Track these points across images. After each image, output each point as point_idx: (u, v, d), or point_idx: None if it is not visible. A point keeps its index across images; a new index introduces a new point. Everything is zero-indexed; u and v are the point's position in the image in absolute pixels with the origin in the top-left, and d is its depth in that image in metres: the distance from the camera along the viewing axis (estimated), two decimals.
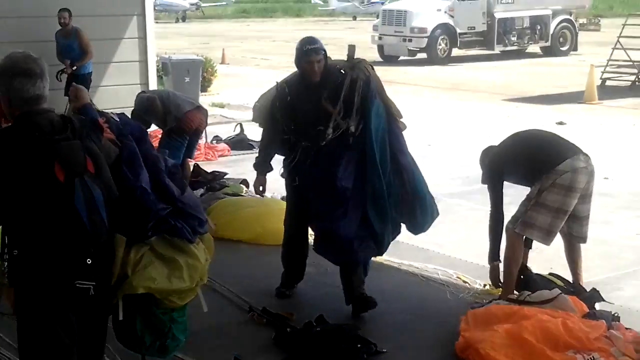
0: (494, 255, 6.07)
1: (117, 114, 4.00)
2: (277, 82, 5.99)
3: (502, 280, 6.04)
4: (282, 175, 6.13)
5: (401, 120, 5.94)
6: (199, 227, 3.89)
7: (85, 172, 3.33)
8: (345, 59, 5.85)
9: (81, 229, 3.31)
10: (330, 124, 5.60)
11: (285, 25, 56.93)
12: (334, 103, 5.62)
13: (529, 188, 5.87)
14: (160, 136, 8.85)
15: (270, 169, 6.18)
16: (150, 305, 3.83)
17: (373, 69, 5.91)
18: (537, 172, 5.77)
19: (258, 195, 6.53)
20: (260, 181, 6.17)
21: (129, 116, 4.97)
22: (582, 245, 6.13)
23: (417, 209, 5.80)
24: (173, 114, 8.37)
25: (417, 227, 5.96)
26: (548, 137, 6.27)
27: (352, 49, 5.85)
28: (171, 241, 3.81)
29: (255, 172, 6.22)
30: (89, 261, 3.36)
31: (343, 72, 5.72)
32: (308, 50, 5.68)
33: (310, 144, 5.74)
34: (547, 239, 5.80)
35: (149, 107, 8.33)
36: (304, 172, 5.87)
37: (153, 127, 8.86)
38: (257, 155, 6.31)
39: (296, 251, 6.25)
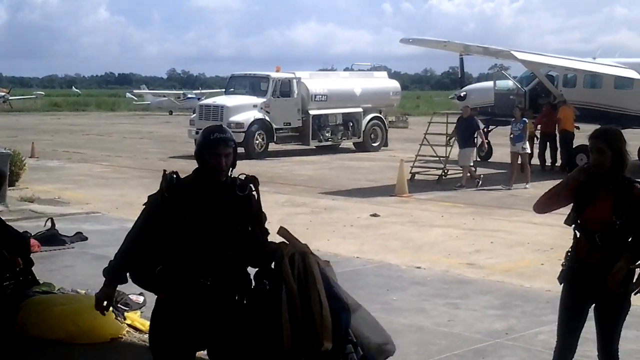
0: None
1: None
2: (165, 171, 4.82)
3: None
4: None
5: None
6: None
7: None
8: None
9: None
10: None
11: (99, 119, 55.97)
12: (243, 220, 4.80)
13: None
14: None
15: (125, 280, 4.79)
16: None
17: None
18: None
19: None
20: (107, 294, 4.74)
21: None
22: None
23: None
24: None
25: None
26: None
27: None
28: None
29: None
30: None
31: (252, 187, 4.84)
32: (216, 140, 4.69)
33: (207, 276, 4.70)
34: None
35: None
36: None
37: None
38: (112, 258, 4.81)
39: None
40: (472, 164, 20.30)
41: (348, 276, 10.34)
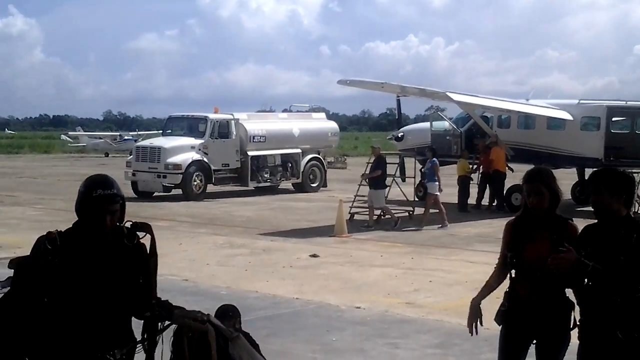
0: None
1: None
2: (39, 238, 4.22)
3: None
4: None
5: None
6: None
7: None
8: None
9: None
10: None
11: (33, 162, 55.00)
12: (133, 272, 4.34)
13: None
14: None
15: None
16: None
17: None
18: None
19: None
20: None
21: None
22: None
23: None
24: None
25: None
26: None
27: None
28: None
29: None
30: None
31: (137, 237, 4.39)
32: (100, 198, 4.17)
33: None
34: None
35: None
36: None
37: None
38: None
39: None
40: (381, 205, 20.18)
41: (287, 317, 10.30)
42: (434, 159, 20.41)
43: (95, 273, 4.15)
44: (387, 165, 20.84)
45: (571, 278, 4.88)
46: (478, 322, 5.46)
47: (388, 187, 20.86)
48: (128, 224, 4.35)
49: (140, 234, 4.40)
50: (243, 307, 10.50)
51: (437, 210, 19.97)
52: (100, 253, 4.19)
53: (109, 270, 4.19)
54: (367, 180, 20.65)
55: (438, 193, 20.22)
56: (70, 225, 4.29)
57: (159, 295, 4.50)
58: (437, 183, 20.20)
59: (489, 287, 5.50)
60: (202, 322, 4.36)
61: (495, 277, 5.47)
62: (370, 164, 21.06)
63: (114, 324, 4.24)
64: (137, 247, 4.35)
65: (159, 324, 4.42)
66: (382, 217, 20.79)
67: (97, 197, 4.13)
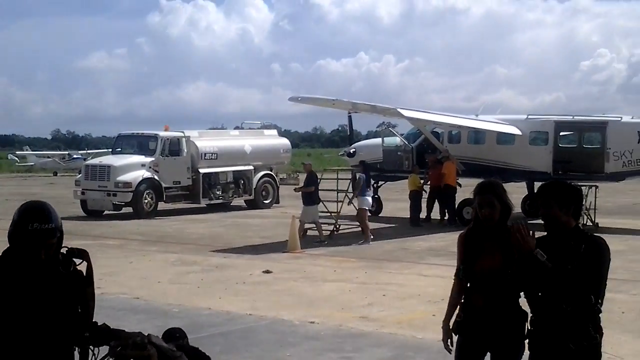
0: None
1: None
2: None
3: None
4: None
5: None
6: None
7: None
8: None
9: None
10: None
11: None
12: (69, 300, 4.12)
13: None
14: None
15: None
16: None
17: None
18: None
19: None
20: None
21: None
22: None
23: None
24: None
25: None
26: None
27: None
28: None
29: None
30: None
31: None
32: (36, 233, 3.92)
33: None
34: None
35: None
36: None
37: None
38: None
39: None
40: (313, 220, 19.98)
41: (241, 333, 10.22)
42: (363, 174, 20.44)
43: (27, 302, 3.93)
44: (340, 180, 20.87)
45: (523, 276, 4.92)
46: (448, 342, 5.47)
47: (340, 202, 20.79)
48: (64, 250, 4.13)
49: (78, 261, 4.19)
50: (196, 324, 10.49)
51: (362, 225, 20.05)
52: (33, 281, 3.96)
53: (42, 300, 3.97)
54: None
55: (367, 208, 20.28)
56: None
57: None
58: (368, 197, 20.28)
59: (453, 305, 5.50)
60: (142, 347, 4.10)
61: (457, 292, 5.47)
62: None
63: (50, 355, 4.03)
64: (73, 275, 4.12)
65: (93, 356, 4.21)
66: (335, 232, 20.81)
67: (33, 231, 3.89)
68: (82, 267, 4.24)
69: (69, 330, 4.09)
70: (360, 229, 20.39)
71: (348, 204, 20.88)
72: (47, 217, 3.94)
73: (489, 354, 5.36)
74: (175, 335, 4.98)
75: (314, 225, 20.12)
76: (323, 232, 20.19)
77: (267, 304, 12.22)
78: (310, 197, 20.00)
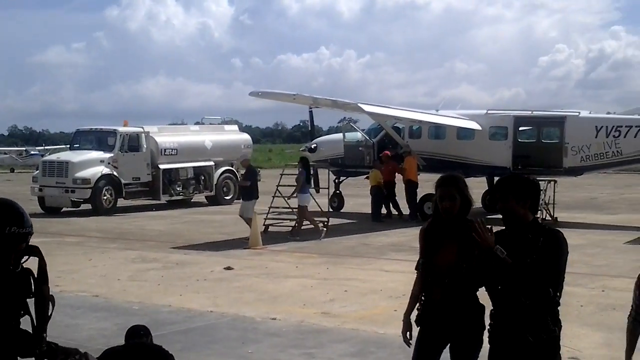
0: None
1: None
2: None
3: None
4: None
5: None
6: None
7: None
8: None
9: None
10: None
11: None
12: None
13: None
14: None
15: None
16: None
17: None
18: None
19: None
20: None
21: None
22: None
23: None
24: None
25: None
26: None
27: None
28: None
29: None
30: None
31: None
32: (15, 236, 3.79)
33: None
34: None
35: None
36: None
37: None
38: None
39: None
40: (249, 216, 19.43)
41: (202, 331, 10.15)
42: (303, 169, 20.44)
43: None
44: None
45: (484, 271, 4.94)
46: (407, 335, 5.49)
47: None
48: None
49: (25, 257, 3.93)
50: (156, 321, 10.38)
51: (308, 222, 20.14)
52: None
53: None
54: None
55: (306, 204, 20.31)
56: None
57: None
58: (307, 194, 20.32)
59: (414, 298, 5.53)
60: None
61: (418, 286, 5.50)
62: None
63: None
64: (22, 273, 3.89)
65: None
66: (298, 227, 20.79)
67: (10, 235, 3.71)
68: (33, 265, 4.01)
69: (17, 338, 3.88)
70: (312, 225, 20.34)
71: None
72: (25, 221, 3.77)
73: (448, 347, 5.40)
74: (139, 332, 4.90)
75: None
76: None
77: (229, 300, 12.15)
78: (248, 192, 19.94)
